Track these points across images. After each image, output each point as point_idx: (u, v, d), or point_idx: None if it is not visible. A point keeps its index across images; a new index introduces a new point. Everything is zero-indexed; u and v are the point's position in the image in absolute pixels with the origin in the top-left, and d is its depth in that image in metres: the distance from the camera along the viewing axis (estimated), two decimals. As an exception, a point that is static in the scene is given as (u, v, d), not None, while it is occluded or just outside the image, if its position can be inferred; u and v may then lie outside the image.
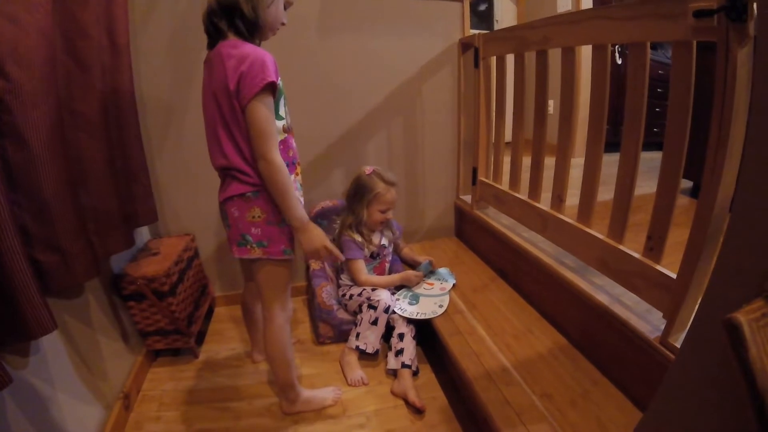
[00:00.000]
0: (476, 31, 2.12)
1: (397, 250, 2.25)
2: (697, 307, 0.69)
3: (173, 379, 1.80)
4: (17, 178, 1.10)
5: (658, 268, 1.22)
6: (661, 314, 1.22)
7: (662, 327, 1.19)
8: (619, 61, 2.62)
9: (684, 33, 1.03)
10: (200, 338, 2.05)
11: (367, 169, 1.92)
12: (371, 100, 2.20)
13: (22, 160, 1.09)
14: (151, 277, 1.68)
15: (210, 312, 2.27)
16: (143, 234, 2.03)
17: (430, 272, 2.06)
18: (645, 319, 1.28)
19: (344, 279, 2.05)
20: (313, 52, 2.06)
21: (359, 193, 1.93)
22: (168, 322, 1.76)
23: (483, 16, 3.22)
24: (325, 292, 2.02)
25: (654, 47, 2.74)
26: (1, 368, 0.93)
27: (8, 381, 0.94)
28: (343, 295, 2.00)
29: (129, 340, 1.75)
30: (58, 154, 1.19)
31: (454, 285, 1.97)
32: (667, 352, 1.14)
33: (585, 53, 1.46)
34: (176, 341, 1.83)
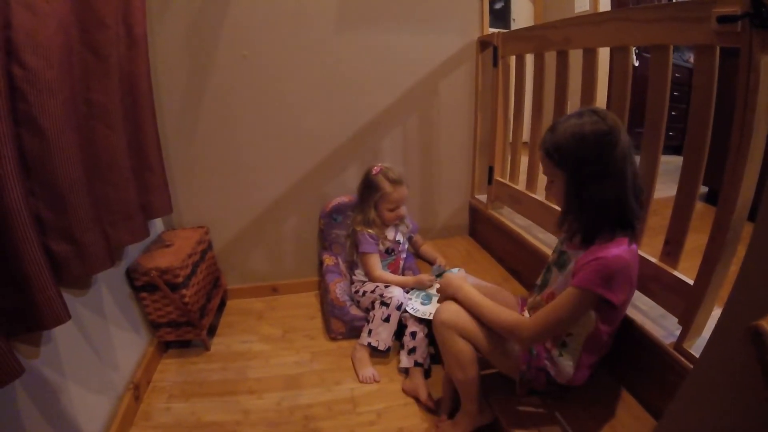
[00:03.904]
0: (495, 30, 2.09)
1: (415, 247, 2.24)
2: (720, 313, 0.67)
3: (184, 370, 1.81)
4: (33, 167, 1.09)
5: (675, 273, 1.20)
6: (676, 320, 1.20)
7: (677, 333, 1.17)
8: (636, 63, 2.55)
9: (707, 37, 1.01)
10: (212, 330, 2.06)
11: (375, 168, 1.91)
12: (387, 96, 2.18)
13: (38, 148, 1.09)
14: (164, 269, 1.68)
15: (222, 304, 2.27)
16: (158, 225, 2.04)
17: (442, 273, 2.03)
18: (660, 324, 1.26)
19: (358, 275, 2.03)
20: (330, 49, 2.04)
21: (367, 192, 1.93)
22: (180, 313, 1.76)
23: (499, 15, 3.17)
24: (339, 288, 2.01)
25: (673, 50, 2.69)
26: (13, 358, 0.93)
27: (20, 371, 0.94)
28: (356, 291, 1.99)
29: (140, 331, 1.76)
30: (74, 144, 1.19)
31: (467, 284, 1.95)
32: (682, 358, 1.12)
33: (602, 55, 1.44)
34: (188, 333, 1.83)
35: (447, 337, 1.28)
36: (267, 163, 2.17)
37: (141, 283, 1.69)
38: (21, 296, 1.02)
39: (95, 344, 1.42)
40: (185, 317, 1.77)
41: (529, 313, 1.37)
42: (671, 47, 1.14)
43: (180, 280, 1.70)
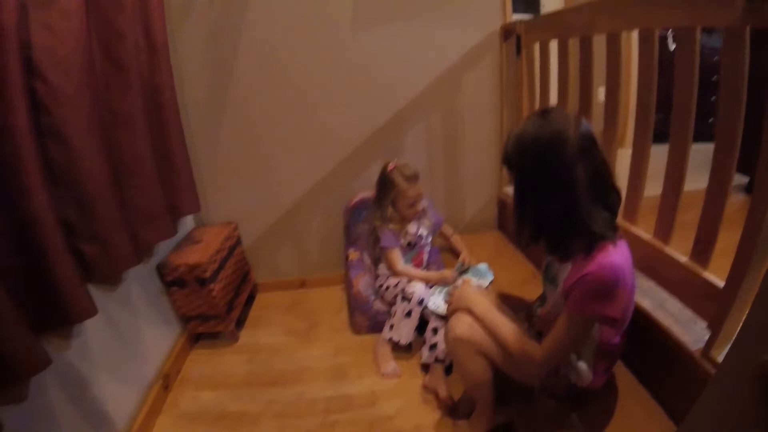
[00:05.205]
0: (518, 17, 2.02)
1: (444, 237, 2.23)
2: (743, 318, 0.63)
3: (212, 362, 1.89)
4: (59, 175, 1.18)
5: (705, 275, 1.13)
6: (705, 324, 1.14)
7: (706, 338, 1.10)
8: (673, 47, 2.41)
9: (735, 18, 0.93)
10: (241, 323, 2.14)
11: (390, 165, 1.91)
12: (409, 91, 2.16)
13: (64, 157, 1.17)
14: (192, 265, 1.76)
15: (251, 298, 2.35)
16: (188, 223, 2.14)
17: (466, 270, 2.02)
18: (688, 328, 1.19)
19: (382, 270, 2.05)
20: (349, 46, 2.05)
21: (383, 189, 1.92)
22: (208, 307, 1.84)
23: (529, 1, 3.06)
24: (362, 283, 2.03)
25: (709, 32, 2.51)
26: (41, 350, 1.01)
27: (47, 362, 1.02)
28: (380, 285, 2.01)
29: (171, 323, 1.86)
30: (98, 152, 1.27)
31: (491, 282, 1.93)
32: (709, 366, 1.05)
33: (636, 38, 1.37)
34: (216, 326, 1.92)
35: (462, 355, 1.25)
36: (291, 160, 2.22)
37: (171, 279, 1.78)
38: (50, 294, 1.11)
39: (126, 337, 1.51)
40: (213, 311, 1.86)
41: (533, 323, 1.34)
42: (698, 29, 1.07)
43: (208, 275, 1.78)
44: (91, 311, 1.19)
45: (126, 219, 1.41)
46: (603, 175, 1.02)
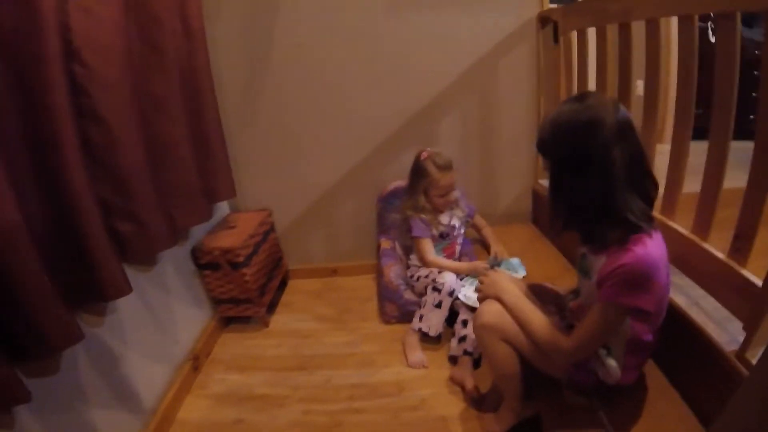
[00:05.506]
0: (555, 5, 1.96)
1: (476, 230, 2.20)
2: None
3: (241, 345, 1.93)
4: (97, 155, 1.21)
5: (743, 272, 1.07)
6: (741, 325, 1.07)
7: (741, 339, 1.04)
8: (713, 39, 2.25)
9: None
10: (271, 308, 2.17)
11: (423, 154, 1.88)
12: (443, 79, 2.13)
13: (102, 139, 1.20)
14: (226, 249, 1.80)
15: (283, 284, 2.38)
16: (223, 208, 2.18)
17: (498, 263, 1.97)
18: (724, 327, 1.13)
19: (413, 260, 2.04)
20: (382, 33, 2.04)
21: (416, 178, 1.90)
22: (240, 291, 1.88)
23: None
24: (393, 272, 2.03)
25: (750, 24, 2.34)
26: (75, 325, 1.05)
27: (80, 336, 1.05)
28: (411, 276, 1.99)
29: (203, 306, 1.90)
30: (135, 134, 1.30)
31: (524, 276, 1.88)
32: (743, 369, 1.00)
33: (675, 29, 1.30)
34: (247, 310, 1.95)
35: (488, 341, 1.24)
36: (324, 148, 2.23)
37: (204, 262, 1.82)
38: (86, 271, 1.14)
39: (158, 317, 1.56)
40: (245, 295, 1.89)
41: (565, 315, 1.30)
42: (738, 15, 1.00)
43: (241, 259, 1.81)
44: (125, 290, 1.23)
45: (162, 201, 1.45)
46: (640, 162, 0.98)
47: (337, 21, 2.01)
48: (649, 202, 1.02)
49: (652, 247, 0.96)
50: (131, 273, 1.32)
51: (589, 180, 0.98)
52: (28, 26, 0.96)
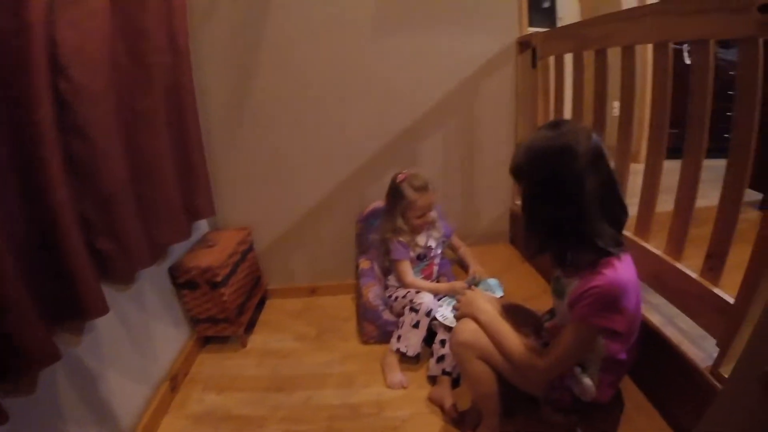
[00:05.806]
0: (534, 30, 2.04)
1: (453, 250, 2.22)
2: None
3: (220, 365, 1.90)
4: (80, 171, 1.20)
5: (715, 290, 1.12)
6: (715, 341, 1.12)
7: (715, 355, 1.09)
8: (688, 61, 2.40)
9: (749, 29, 0.94)
10: (250, 328, 2.14)
11: (399, 176, 1.90)
12: (426, 100, 2.18)
13: (85, 154, 1.19)
14: (204, 268, 1.78)
15: (262, 303, 2.36)
16: (202, 226, 2.16)
17: (477, 283, 2.00)
18: (698, 345, 1.18)
19: (391, 280, 2.05)
20: (367, 55, 2.08)
21: (393, 200, 1.93)
22: (219, 310, 1.86)
23: (546, 14, 3.08)
24: (372, 293, 2.03)
25: (726, 45, 2.49)
26: (51, 344, 1.03)
27: (57, 356, 1.03)
28: (390, 296, 2.00)
29: (181, 325, 1.87)
30: (118, 149, 1.30)
31: (501, 297, 1.91)
32: (717, 384, 1.04)
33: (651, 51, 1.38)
34: (225, 329, 1.93)
35: (465, 359, 1.25)
36: (307, 167, 2.24)
37: (183, 281, 1.80)
38: (65, 288, 1.12)
39: (136, 336, 1.53)
40: (224, 314, 1.87)
41: (542, 335, 1.33)
42: (711, 42, 1.07)
43: (219, 279, 1.80)
44: (103, 310, 1.21)
45: (143, 218, 1.44)
46: (611, 189, 1.02)
47: (324, 40, 2.05)
48: (619, 227, 1.06)
49: (622, 270, 1.00)
50: (109, 291, 1.30)
51: (560, 206, 1.01)
52: (16, 40, 0.96)
